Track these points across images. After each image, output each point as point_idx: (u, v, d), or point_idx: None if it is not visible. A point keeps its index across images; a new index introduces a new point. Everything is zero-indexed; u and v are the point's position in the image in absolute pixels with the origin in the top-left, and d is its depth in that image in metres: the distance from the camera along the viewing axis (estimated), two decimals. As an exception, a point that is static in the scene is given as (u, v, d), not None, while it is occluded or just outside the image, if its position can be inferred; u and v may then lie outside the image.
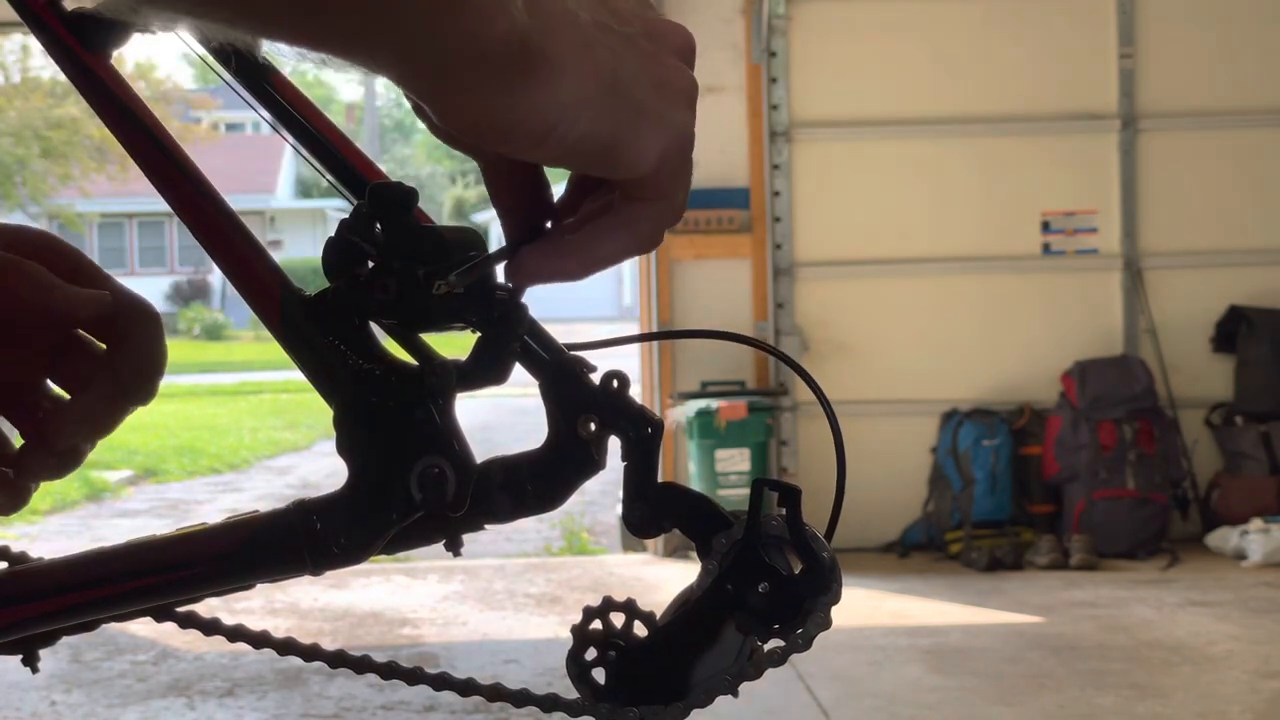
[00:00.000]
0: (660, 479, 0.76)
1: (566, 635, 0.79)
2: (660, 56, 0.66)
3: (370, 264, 0.72)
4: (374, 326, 0.74)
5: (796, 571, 0.75)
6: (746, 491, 0.77)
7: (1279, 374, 8.17)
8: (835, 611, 0.76)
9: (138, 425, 17.80)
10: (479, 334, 0.74)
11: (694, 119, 0.67)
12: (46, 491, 11.93)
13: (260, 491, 12.62)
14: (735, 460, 7.78)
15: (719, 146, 8.31)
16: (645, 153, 0.65)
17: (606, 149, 0.63)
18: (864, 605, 6.64)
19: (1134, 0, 8.30)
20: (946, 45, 8.34)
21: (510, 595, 7.22)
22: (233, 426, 17.92)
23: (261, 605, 6.90)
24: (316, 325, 0.73)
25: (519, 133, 0.61)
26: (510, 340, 0.74)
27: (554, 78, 0.60)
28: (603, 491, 10.05)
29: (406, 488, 0.72)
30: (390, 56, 0.57)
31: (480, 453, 0.75)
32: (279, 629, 6.59)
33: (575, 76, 0.60)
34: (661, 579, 7.49)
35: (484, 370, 0.74)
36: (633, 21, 0.65)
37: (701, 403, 7.87)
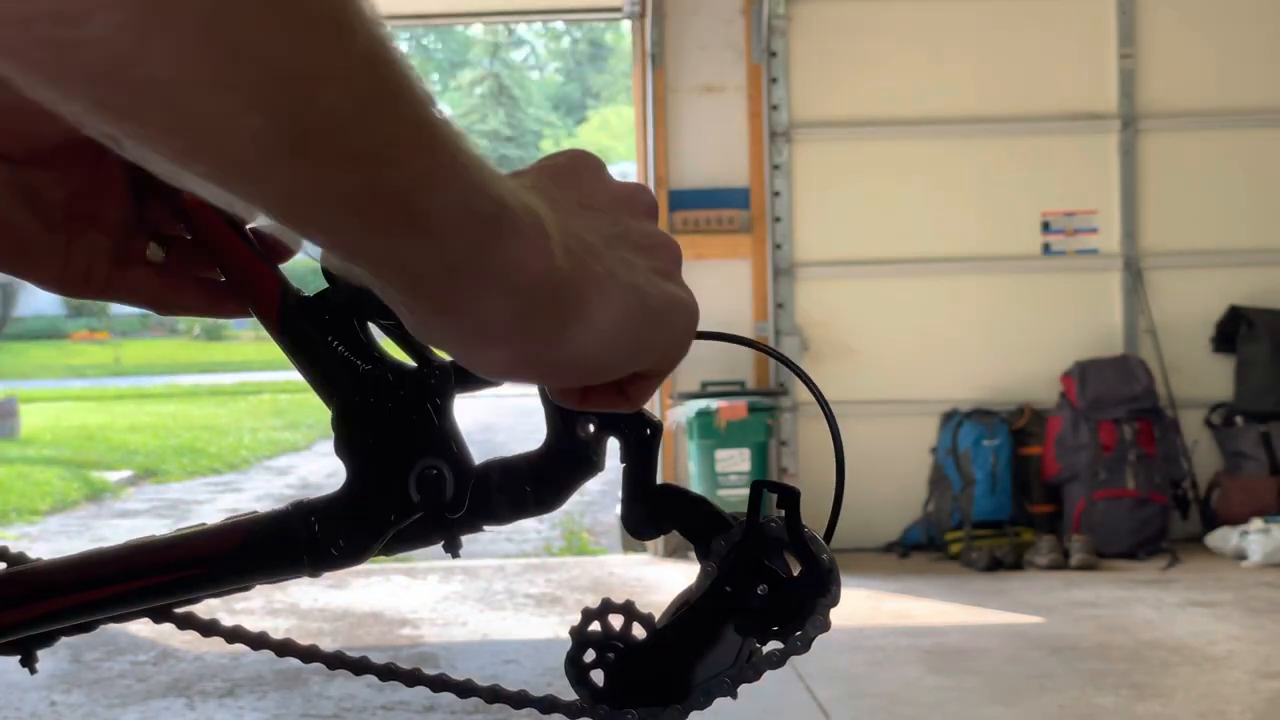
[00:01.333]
0: (659, 480, 0.76)
1: (566, 636, 0.79)
2: (647, 237, 0.64)
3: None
4: (373, 327, 0.74)
5: (795, 573, 0.75)
6: (746, 492, 0.77)
7: (1279, 374, 8.16)
8: (835, 612, 0.76)
9: (138, 425, 17.81)
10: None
11: (692, 305, 0.66)
12: (46, 492, 11.93)
13: (260, 491, 12.62)
14: (735, 460, 7.78)
15: (719, 146, 8.31)
16: (670, 343, 0.64)
17: (640, 358, 0.63)
18: (864, 605, 6.64)
19: (1134, 0, 8.30)
20: (946, 45, 8.34)
21: (510, 595, 7.22)
22: (233, 426, 17.92)
23: (261, 605, 6.90)
24: (315, 326, 0.73)
25: (563, 375, 0.61)
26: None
27: (590, 315, 0.59)
28: (603, 492, 10.05)
29: (405, 489, 0.72)
30: (433, 270, 0.54)
31: (480, 454, 0.75)
32: (279, 629, 6.60)
33: (606, 308, 0.60)
34: (662, 579, 7.49)
35: None
36: (606, 205, 0.63)
37: (701, 403, 7.86)
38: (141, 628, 6.08)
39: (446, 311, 0.56)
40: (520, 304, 0.56)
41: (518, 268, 0.55)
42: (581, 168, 0.64)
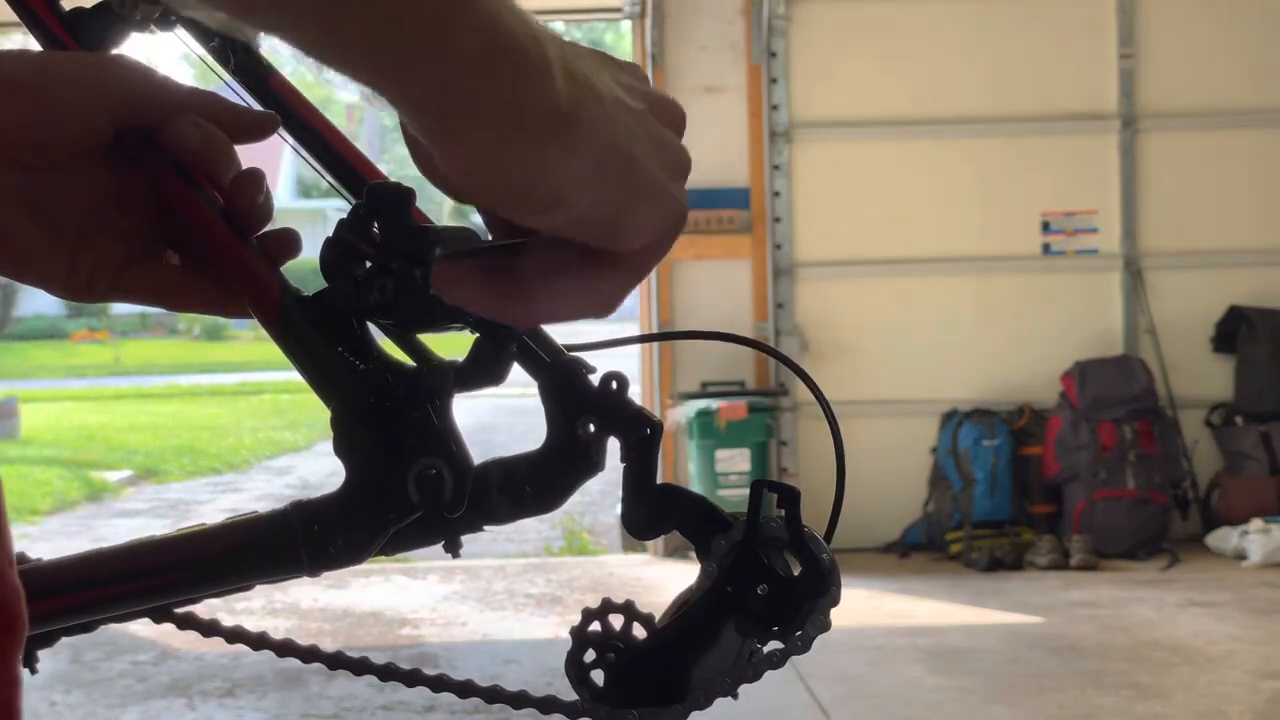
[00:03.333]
0: (659, 480, 0.76)
1: (567, 636, 0.79)
2: (663, 133, 0.67)
3: (368, 264, 0.72)
4: (372, 327, 0.74)
5: (795, 573, 0.75)
6: (746, 492, 0.77)
7: (1279, 374, 8.16)
8: (835, 612, 0.76)
9: (138, 425, 17.80)
10: (477, 334, 0.74)
11: (684, 193, 0.67)
12: (46, 492, 11.92)
13: (260, 492, 12.61)
14: (735, 461, 7.78)
15: (719, 146, 8.30)
16: (644, 230, 0.64)
17: (609, 223, 0.63)
18: (864, 605, 6.64)
19: (1134, 0, 8.30)
20: (946, 45, 8.33)
21: (510, 595, 7.21)
22: (233, 426, 17.91)
23: (261, 606, 6.89)
24: (314, 326, 0.73)
25: (529, 198, 0.61)
26: (508, 341, 0.73)
27: (578, 148, 0.60)
28: (603, 492, 10.05)
29: (404, 489, 0.72)
30: (426, 92, 0.57)
31: (479, 455, 0.75)
32: (279, 629, 6.59)
33: (594, 149, 0.61)
34: (662, 579, 7.49)
35: (482, 371, 0.74)
36: (639, 97, 0.66)
37: (701, 403, 7.86)
38: (142, 628, 6.07)
39: (443, 132, 0.59)
40: (523, 119, 0.58)
41: (530, 88, 0.58)
42: (631, 70, 0.67)
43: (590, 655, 0.78)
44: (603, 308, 0.67)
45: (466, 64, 0.56)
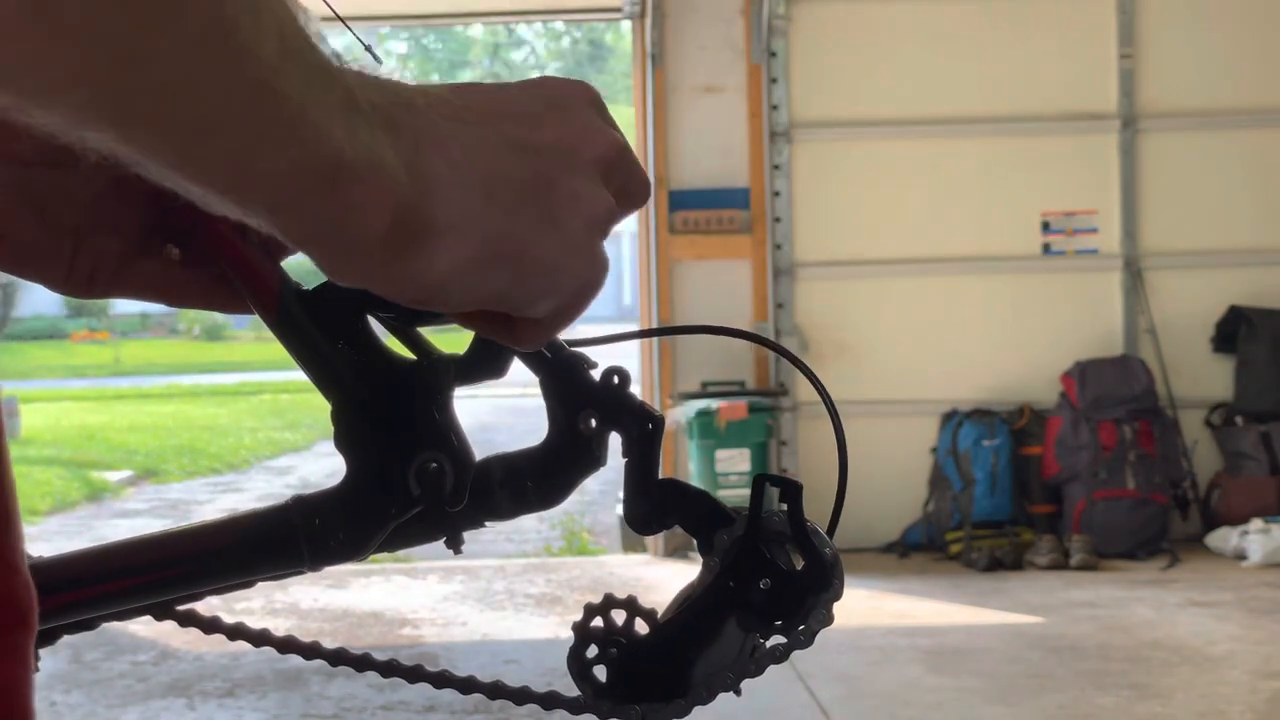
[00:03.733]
0: (661, 475, 0.76)
1: (567, 635, 0.79)
2: (573, 180, 0.63)
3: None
4: (372, 321, 0.74)
5: (798, 567, 0.75)
6: (747, 492, 0.76)
7: (1279, 374, 8.16)
8: (836, 611, 0.75)
9: (138, 425, 17.80)
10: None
11: (601, 250, 0.64)
12: (46, 492, 11.92)
13: (260, 491, 12.62)
14: (735, 460, 7.78)
15: (719, 147, 8.30)
16: (538, 306, 0.63)
17: (503, 302, 0.62)
18: (864, 605, 6.64)
19: (1134, 0, 8.30)
20: (946, 45, 8.33)
21: (510, 595, 7.21)
22: (233, 426, 17.91)
23: (262, 605, 6.89)
24: (314, 320, 0.73)
25: (407, 295, 0.60)
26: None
27: (441, 246, 0.58)
28: (602, 491, 10.05)
29: (405, 483, 0.72)
30: (266, 215, 0.55)
31: (480, 454, 0.75)
32: (279, 629, 6.60)
33: (464, 241, 0.59)
34: (662, 579, 7.49)
35: (482, 365, 0.74)
36: (544, 146, 0.62)
37: (701, 403, 7.86)
38: (141, 628, 6.07)
39: (296, 242, 0.57)
40: (358, 237, 0.56)
41: (354, 212, 0.55)
42: (550, 104, 0.64)
43: (592, 651, 0.78)
44: (520, 343, 0.67)
45: (281, 189, 0.53)
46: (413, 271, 0.58)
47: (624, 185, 0.66)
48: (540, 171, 0.62)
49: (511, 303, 0.62)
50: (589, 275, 0.63)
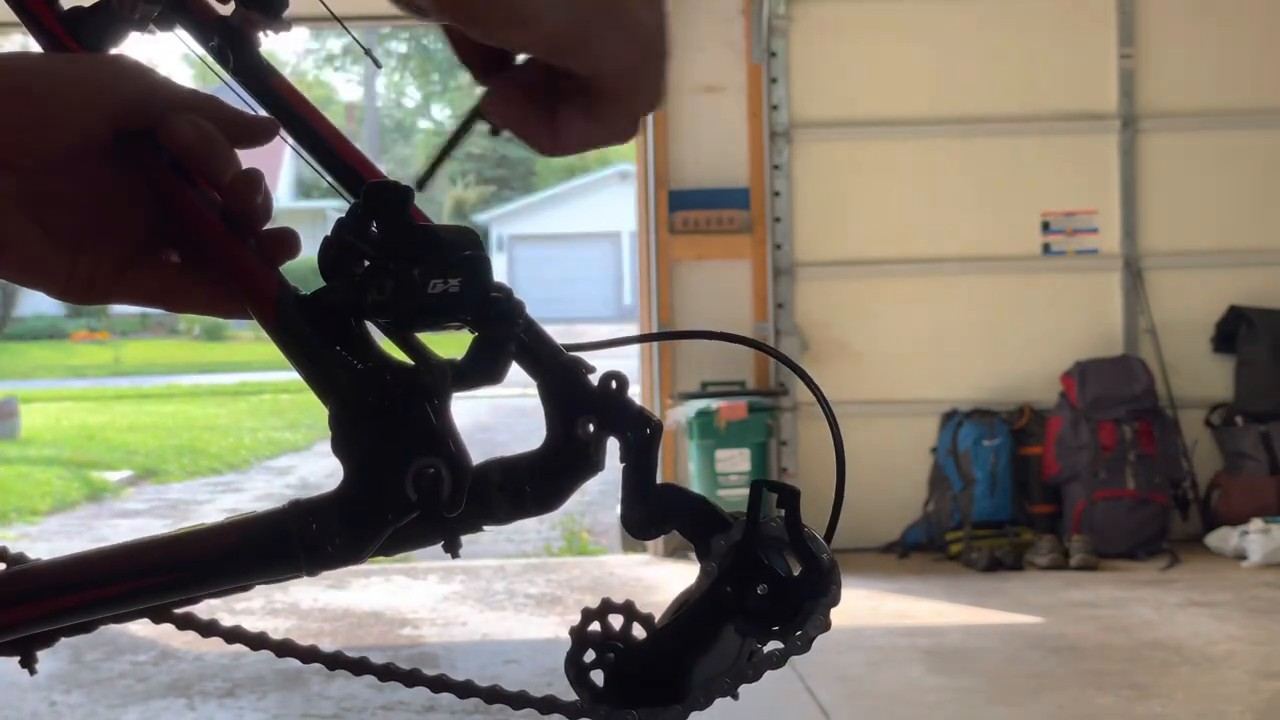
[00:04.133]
0: (659, 480, 0.76)
1: (567, 636, 0.79)
2: None
3: (366, 263, 0.72)
4: (370, 326, 0.74)
5: (795, 573, 0.75)
6: (747, 492, 0.77)
7: (1279, 374, 8.16)
8: (835, 611, 0.75)
9: (138, 425, 17.80)
10: (475, 334, 0.74)
11: (664, 19, 0.67)
12: (46, 492, 11.92)
13: (260, 492, 12.62)
14: (735, 460, 7.78)
15: (719, 146, 8.30)
16: (614, 52, 0.65)
17: (577, 43, 0.64)
18: (864, 605, 6.64)
19: (1134, 0, 8.30)
20: (946, 45, 8.33)
21: (510, 595, 7.21)
22: (233, 426, 17.91)
23: (262, 605, 6.89)
24: (312, 325, 0.73)
25: (493, 12, 0.61)
26: (506, 340, 0.73)
27: None
28: (603, 492, 10.05)
29: (402, 488, 0.72)
30: None
31: (479, 454, 0.75)
32: (279, 629, 6.59)
33: None
34: (662, 579, 7.49)
35: (480, 370, 0.74)
36: None
37: (701, 403, 7.86)
38: (141, 628, 6.07)
39: None
40: None
41: None
42: None
43: (590, 655, 0.78)
44: (619, 133, 0.71)
45: None
46: None
47: None
48: None
49: (585, 43, 0.65)
50: (653, 35, 0.69)
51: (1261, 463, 8.06)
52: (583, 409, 0.76)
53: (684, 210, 8.25)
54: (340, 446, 0.73)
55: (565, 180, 44.86)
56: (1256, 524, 7.60)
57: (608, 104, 0.68)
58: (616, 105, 0.68)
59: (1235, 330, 8.26)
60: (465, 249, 0.73)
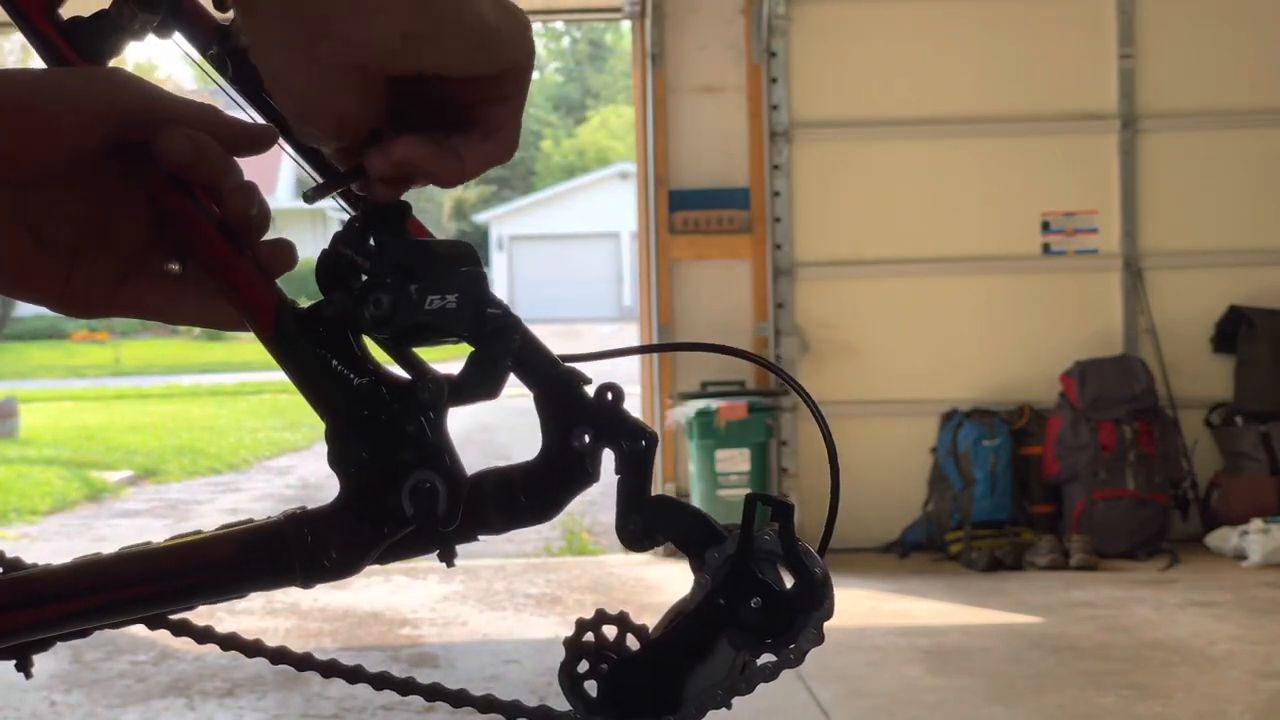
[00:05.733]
0: (656, 484, 0.76)
1: (567, 636, 0.79)
2: None
3: (364, 277, 0.72)
4: (367, 340, 0.74)
5: (789, 586, 0.75)
6: (746, 491, 0.77)
7: (1279, 374, 8.16)
8: (836, 612, 0.76)
9: (138, 425, 17.81)
10: (472, 348, 0.74)
11: (506, 12, 0.69)
12: (46, 492, 11.92)
13: (260, 492, 12.62)
14: (735, 460, 7.78)
15: (719, 146, 8.31)
16: (517, 43, 0.67)
17: (487, 41, 0.66)
18: (864, 605, 6.64)
19: (1134, 0, 8.30)
20: (946, 45, 8.33)
21: (510, 595, 7.22)
22: (233, 426, 17.92)
23: (261, 605, 6.89)
24: (309, 339, 0.73)
25: (345, 52, 0.64)
26: (503, 354, 0.74)
27: None
28: (603, 492, 9.97)
29: (398, 502, 0.72)
30: None
31: (480, 454, 0.75)
32: (279, 629, 6.59)
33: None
34: (662, 580, 7.50)
35: (476, 384, 0.74)
36: None
37: (701, 403, 7.86)
38: (142, 628, 6.07)
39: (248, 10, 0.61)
40: None
41: None
42: None
43: (584, 666, 0.78)
44: (508, 148, 0.72)
45: None
46: (346, 20, 0.63)
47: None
48: None
49: (499, 42, 0.67)
50: (530, 28, 0.70)
51: (1261, 463, 8.06)
52: (579, 420, 0.76)
53: (684, 210, 8.25)
54: (337, 460, 0.73)
55: (565, 180, 44.87)
56: (1256, 524, 7.60)
57: (496, 112, 0.70)
58: (503, 110, 0.70)
59: (1235, 330, 8.26)
60: (462, 265, 0.73)
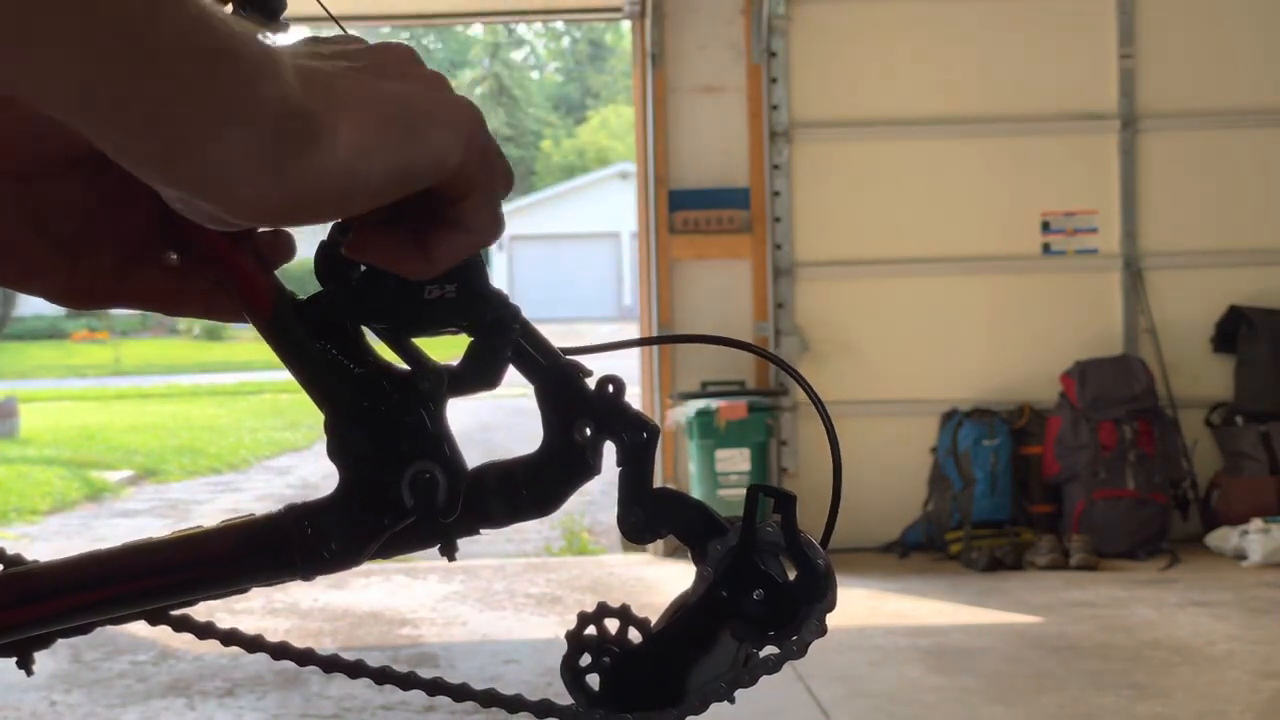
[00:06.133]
0: (656, 483, 0.76)
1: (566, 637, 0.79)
2: (402, 70, 0.65)
3: (362, 268, 0.72)
4: (366, 331, 0.74)
5: (791, 578, 0.75)
6: (746, 492, 0.77)
7: (1279, 374, 8.16)
8: (836, 611, 0.76)
9: (138, 425, 17.81)
10: (472, 338, 0.74)
11: (469, 104, 0.66)
12: (46, 492, 11.92)
13: (260, 492, 12.62)
14: (735, 460, 7.78)
15: (719, 146, 8.31)
16: (447, 150, 0.63)
17: (410, 170, 0.62)
18: (864, 605, 6.64)
19: (1134, 0, 8.30)
20: (946, 45, 8.33)
21: (510, 595, 7.22)
22: (233, 426, 17.93)
23: (261, 605, 6.89)
24: (308, 330, 0.73)
25: (323, 203, 0.59)
26: (503, 345, 0.73)
27: (334, 134, 0.59)
28: (603, 491, 10.00)
29: (398, 493, 0.72)
30: (143, 128, 0.53)
31: (480, 454, 0.75)
32: (279, 629, 6.59)
33: (352, 124, 0.59)
34: (662, 579, 7.49)
35: (476, 375, 0.74)
36: (359, 57, 0.64)
37: (701, 403, 7.86)
38: (141, 627, 6.06)
39: (181, 152, 0.55)
40: (253, 132, 0.56)
41: (246, 91, 0.55)
42: (340, 40, 0.66)
43: (585, 659, 0.78)
44: (488, 234, 0.68)
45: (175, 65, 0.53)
46: (322, 168, 0.58)
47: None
48: (374, 69, 0.63)
49: (421, 165, 0.62)
50: (466, 106, 0.65)
51: (1261, 463, 8.06)
52: (580, 412, 0.76)
53: (684, 210, 8.25)
54: (336, 452, 0.73)
55: (565, 180, 44.88)
56: (1256, 524, 7.60)
57: (467, 207, 0.66)
58: (474, 203, 0.66)
59: (1235, 330, 8.26)
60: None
